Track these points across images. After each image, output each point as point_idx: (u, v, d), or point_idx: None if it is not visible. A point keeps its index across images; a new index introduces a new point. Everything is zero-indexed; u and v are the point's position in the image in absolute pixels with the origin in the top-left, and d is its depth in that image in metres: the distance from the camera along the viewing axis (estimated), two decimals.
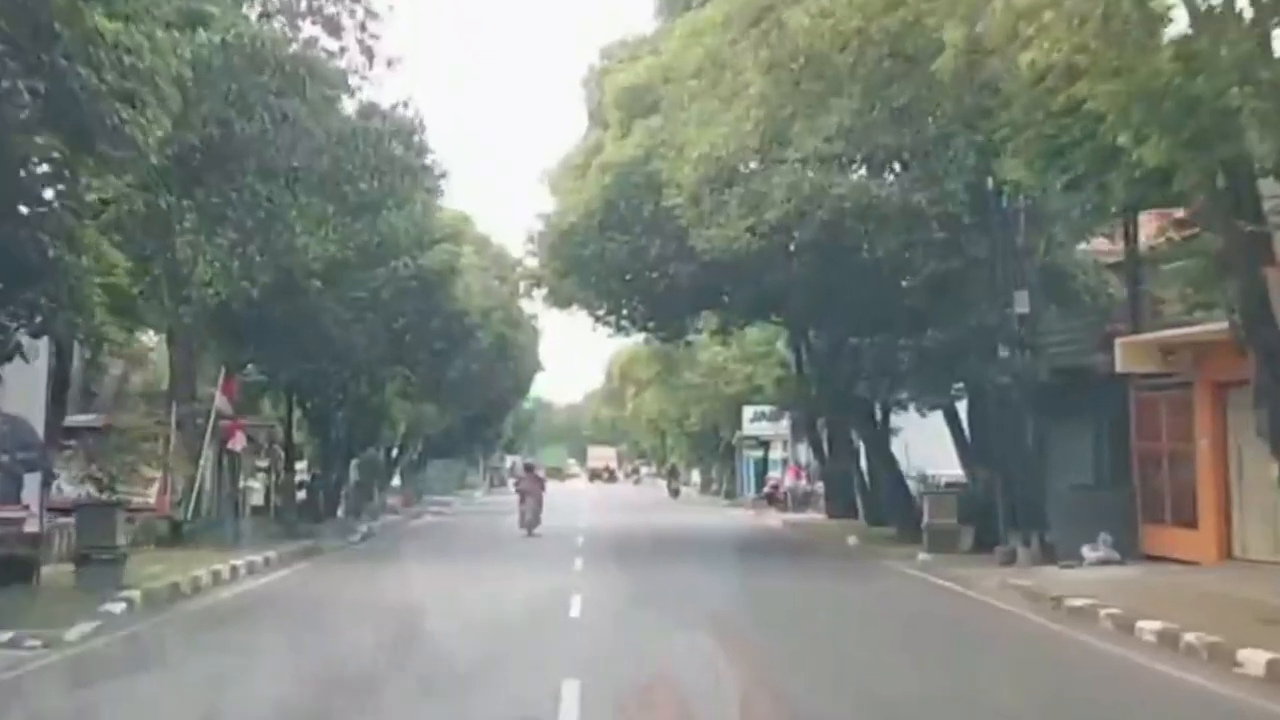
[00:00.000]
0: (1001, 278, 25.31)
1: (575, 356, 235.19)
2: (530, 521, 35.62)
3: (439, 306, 33.43)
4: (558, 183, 33.72)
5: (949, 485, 33.12)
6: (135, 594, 18.57)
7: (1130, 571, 22.38)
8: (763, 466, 64.23)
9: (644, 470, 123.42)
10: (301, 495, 41.39)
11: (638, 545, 31.76)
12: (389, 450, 54.58)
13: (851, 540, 31.76)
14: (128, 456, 25.22)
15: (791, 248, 25.57)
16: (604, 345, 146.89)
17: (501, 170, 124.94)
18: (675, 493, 78.76)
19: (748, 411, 58.89)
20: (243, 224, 19.57)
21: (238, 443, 31.78)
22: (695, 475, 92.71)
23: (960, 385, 26.67)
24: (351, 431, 43.35)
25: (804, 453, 56.72)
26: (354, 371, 40.44)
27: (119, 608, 17.63)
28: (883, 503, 36.90)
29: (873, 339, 26.10)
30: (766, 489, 53.60)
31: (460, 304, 35.96)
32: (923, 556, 25.71)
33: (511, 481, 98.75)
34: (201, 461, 28.50)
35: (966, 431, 29.76)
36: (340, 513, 43.45)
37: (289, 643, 14.61)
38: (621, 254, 29.54)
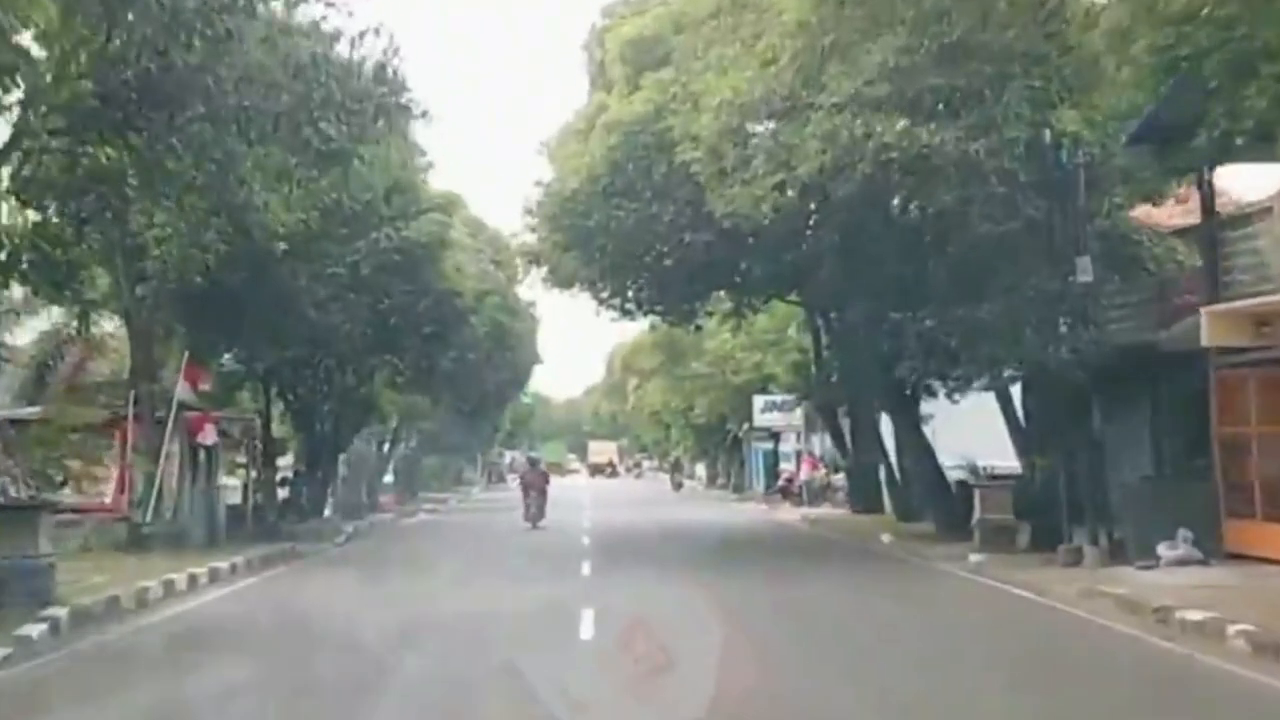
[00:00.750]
0: (1061, 242, 22.38)
1: (574, 350, 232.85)
2: (535, 515, 36.00)
3: (428, 285, 30.33)
4: (557, 151, 30.67)
5: (994, 477, 30.30)
6: (62, 612, 15.63)
7: (1221, 573, 19.43)
8: (773, 459, 61.27)
9: (646, 465, 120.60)
10: (283, 494, 38.43)
11: (649, 545, 28.82)
12: (380, 445, 51.59)
13: (885, 538, 28.82)
14: (57, 452, 22.21)
15: (818, 214, 22.57)
16: (604, 338, 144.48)
17: (496, 155, 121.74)
18: (678, 486, 76.65)
19: (758, 401, 55.91)
20: (189, 178, 16.53)
21: (207, 436, 28.82)
22: (700, 469, 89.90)
23: (1009, 365, 23.53)
24: (338, 425, 40.35)
25: (818, 444, 53.92)
26: (339, 360, 37.54)
27: (38, 630, 14.68)
28: (913, 496, 34.12)
29: (916, 313, 23.03)
30: (780, 482, 50.62)
31: (451, 283, 32.88)
32: (975, 557, 22.77)
33: (513, 477, 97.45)
34: (163, 457, 25.52)
35: (1020, 417, 26.94)
36: (328, 511, 40.52)
37: (228, 684, 11.61)
38: (629, 224, 26.51)
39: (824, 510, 43.32)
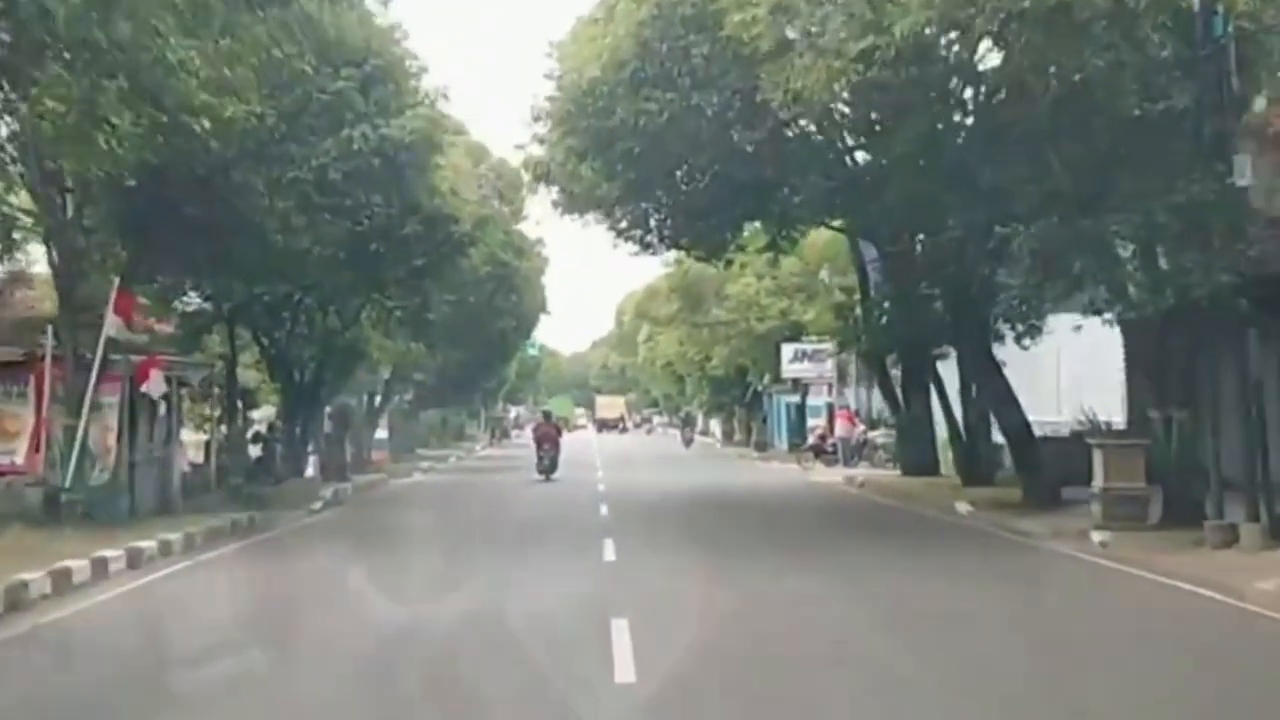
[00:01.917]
0: (1210, 137, 17.53)
1: (581, 302, 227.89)
2: (547, 467, 36.85)
3: (415, 202, 25.43)
4: (570, 48, 25.57)
5: (1076, 434, 25.63)
6: None
7: None
8: (799, 414, 56.47)
9: (656, 420, 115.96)
10: (256, 452, 33.74)
11: (678, 515, 24.14)
12: (371, 398, 46.78)
13: (962, 507, 24.07)
14: None
15: (909, 93, 17.62)
16: (612, 289, 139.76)
17: (500, 82, 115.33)
18: (689, 442, 72.18)
19: (787, 350, 51.16)
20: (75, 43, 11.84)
21: (154, 385, 23.98)
22: (715, 425, 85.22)
23: (1148, 290, 18.57)
24: (320, 374, 35.56)
25: (851, 397, 49.16)
26: (318, 298, 32.82)
27: None
28: (980, 456, 29.44)
29: (1027, 226, 18.12)
30: (813, 439, 45.81)
31: (445, 203, 27.97)
32: (1099, 535, 18.06)
33: (518, 433, 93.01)
34: (86, 407, 20.78)
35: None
36: (309, 472, 35.79)
37: None
38: (661, 122, 21.47)
39: (866, 471, 38.64)
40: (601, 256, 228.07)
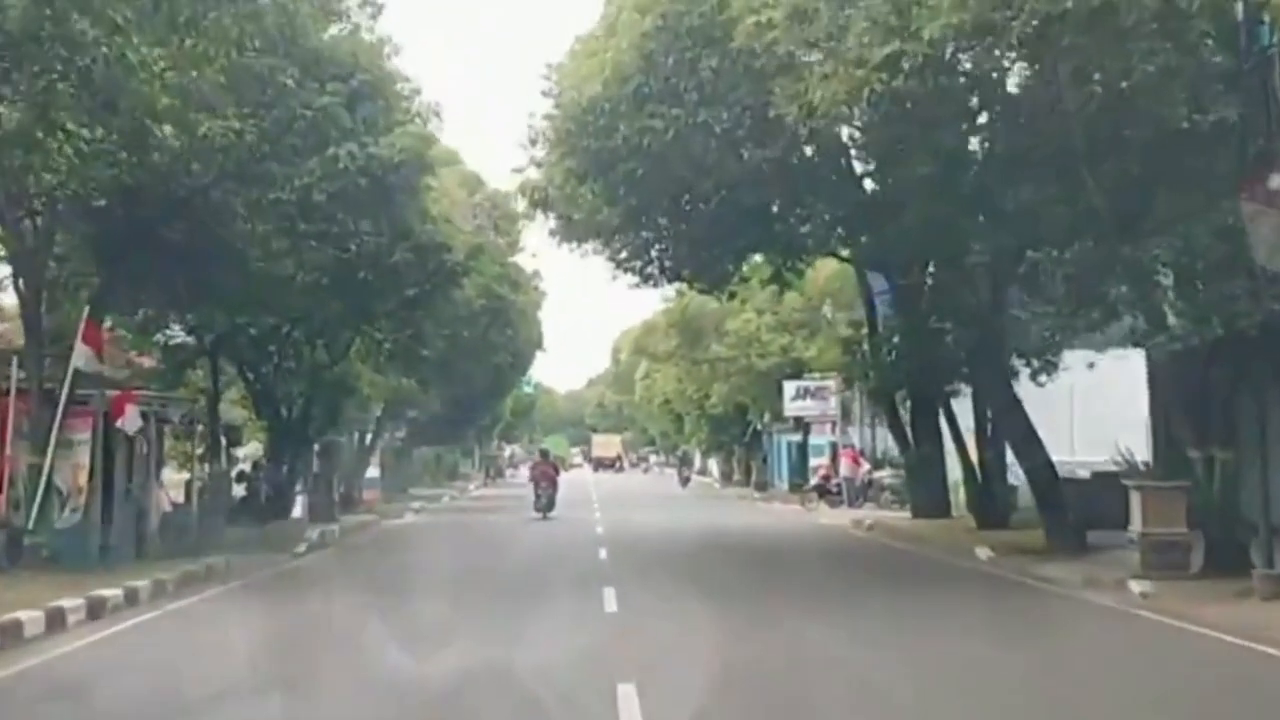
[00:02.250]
0: (1256, 154, 16.33)
1: (576, 340, 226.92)
2: (545, 506, 37.11)
3: (406, 228, 24.17)
4: (569, 67, 24.36)
5: (1100, 474, 24.41)
6: None
7: None
8: (801, 453, 55.10)
9: (653, 459, 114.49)
10: (240, 491, 32.41)
11: (682, 561, 22.75)
12: (362, 436, 45.41)
13: (982, 552, 22.73)
14: None
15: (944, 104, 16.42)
16: (607, 328, 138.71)
17: (493, 114, 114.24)
18: (685, 481, 70.96)
19: (789, 388, 49.89)
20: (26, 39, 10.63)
21: (130, 420, 22.67)
22: (713, 464, 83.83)
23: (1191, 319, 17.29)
24: (308, 410, 34.21)
25: (856, 436, 47.88)
26: (305, 331, 31.51)
27: None
28: (996, 498, 28.13)
29: (1060, 251, 16.87)
30: (816, 479, 44.46)
31: (438, 232, 26.73)
32: (1139, 585, 16.73)
33: (512, 472, 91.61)
34: (52, 443, 19.47)
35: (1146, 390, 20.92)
36: (297, 512, 34.41)
37: None
38: (666, 139, 20.21)
39: (873, 512, 37.27)
40: (598, 292, 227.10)
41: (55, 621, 14.36)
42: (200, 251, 21.06)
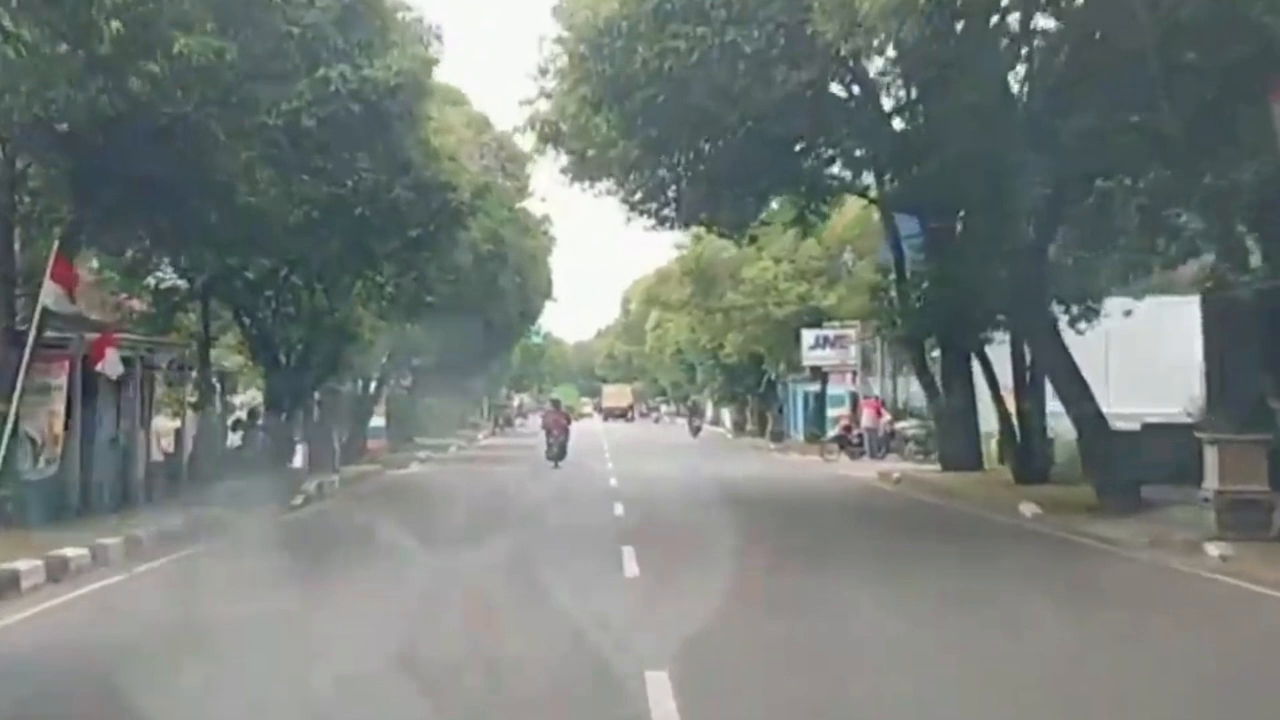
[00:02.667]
0: None
1: (586, 290, 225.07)
2: (557, 454, 37.20)
3: (405, 161, 22.45)
4: None
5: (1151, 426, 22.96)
6: None
7: None
8: (818, 404, 53.51)
9: (664, 409, 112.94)
10: (235, 440, 30.91)
11: (704, 517, 21.08)
12: (366, 384, 43.78)
13: (1027, 509, 21.14)
14: None
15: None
16: (618, 277, 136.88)
17: (500, 57, 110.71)
18: (697, 431, 69.65)
19: (807, 336, 48.25)
20: None
21: (110, 365, 21.17)
22: (725, 415, 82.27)
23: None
24: (308, 357, 32.61)
25: (877, 385, 46.28)
26: (303, 274, 29.89)
27: None
28: (1035, 450, 26.55)
29: (1135, 180, 15.18)
30: (837, 430, 42.87)
31: (442, 170, 25.01)
32: (1217, 548, 15.16)
33: (521, 421, 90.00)
34: (18, 388, 17.89)
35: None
36: (297, 462, 32.89)
37: None
38: (690, 62, 18.47)
39: (898, 465, 35.74)
40: (608, 241, 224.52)
41: (8, 586, 12.84)
42: (182, 184, 19.37)
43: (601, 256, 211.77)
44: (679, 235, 57.48)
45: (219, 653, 9.68)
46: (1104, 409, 30.19)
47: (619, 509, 22.07)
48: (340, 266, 29.35)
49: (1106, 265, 20.01)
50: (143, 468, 24.16)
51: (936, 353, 32.20)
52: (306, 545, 17.61)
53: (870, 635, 10.93)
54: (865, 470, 34.66)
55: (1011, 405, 27.54)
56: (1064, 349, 22.33)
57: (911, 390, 46.10)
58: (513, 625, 10.77)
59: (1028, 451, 26.51)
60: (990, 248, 24.61)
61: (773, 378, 61.47)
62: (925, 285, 29.76)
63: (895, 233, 32.03)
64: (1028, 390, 26.66)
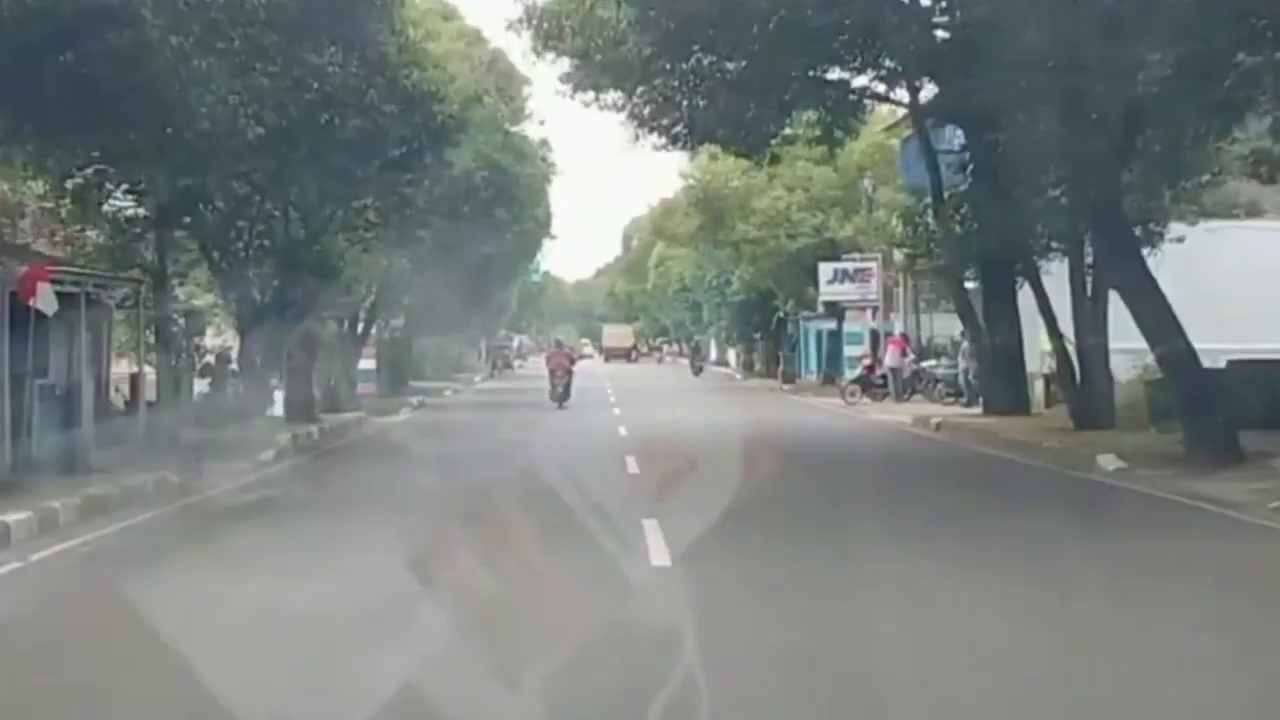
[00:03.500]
0: None
1: (586, 228, 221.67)
2: (560, 395, 37.18)
3: (377, 56, 19.28)
4: None
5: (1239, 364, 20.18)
6: None
7: None
8: (834, 342, 50.58)
9: (666, 349, 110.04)
10: (203, 388, 27.98)
11: (734, 478, 17.92)
12: (353, 325, 40.61)
13: (1107, 462, 18.18)
14: None
15: None
16: (619, 215, 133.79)
17: None
18: (698, 371, 68.02)
19: (825, 270, 45.26)
20: None
21: (42, 300, 18.16)
22: (732, 354, 79.33)
23: None
24: (284, 294, 29.48)
25: (899, 321, 43.30)
26: (277, 202, 26.86)
27: None
28: (1099, 392, 23.60)
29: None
30: (860, 371, 39.89)
31: (425, 75, 21.88)
32: None
33: (520, 363, 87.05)
34: None
35: None
36: (274, 410, 29.97)
37: None
38: None
39: (926, 408, 32.88)
40: (609, 176, 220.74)
41: None
42: (118, 88, 16.30)
43: (602, 193, 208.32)
44: (685, 165, 54.61)
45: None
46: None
47: (632, 465, 19.08)
48: (318, 193, 26.37)
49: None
50: (89, 421, 21.23)
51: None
52: (251, 523, 14.53)
53: (998, 652, 7.99)
54: (894, 414, 31.78)
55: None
56: (1149, 275, 19.30)
57: (935, 327, 43.30)
58: (515, 637, 7.80)
59: (1090, 393, 23.57)
60: (1049, 160, 21.68)
61: (783, 315, 58.55)
62: (965, 208, 26.92)
63: (930, 151, 28.92)
64: (1089, 324, 23.67)
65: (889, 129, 42.73)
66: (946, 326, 41.73)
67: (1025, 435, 22.69)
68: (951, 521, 13.77)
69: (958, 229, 27.11)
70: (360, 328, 41.65)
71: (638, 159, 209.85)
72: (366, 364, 43.16)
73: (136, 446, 21.33)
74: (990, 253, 26.32)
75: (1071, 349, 24.63)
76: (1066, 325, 24.56)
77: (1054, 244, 24.90)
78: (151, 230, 24.75)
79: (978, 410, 29.58)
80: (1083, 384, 23.84)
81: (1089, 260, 23.70)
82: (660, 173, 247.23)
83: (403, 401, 40.26)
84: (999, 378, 28.04)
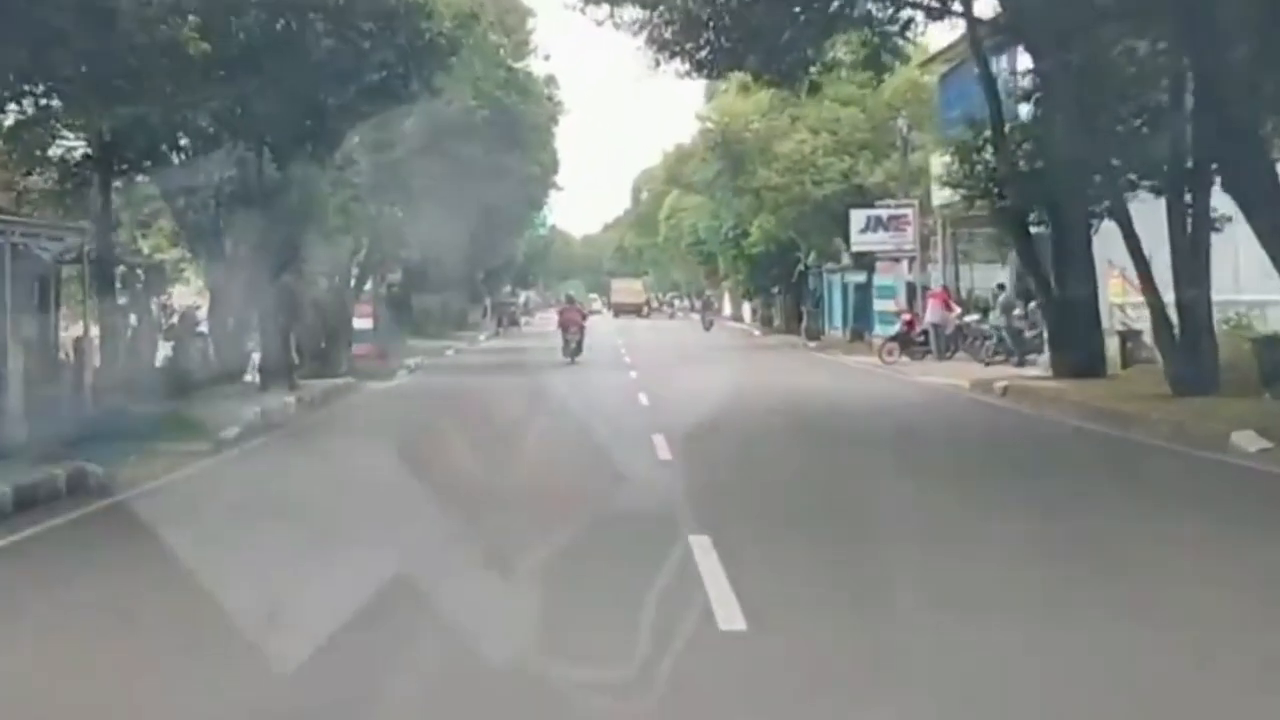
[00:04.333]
0: None
1: (593, 181, 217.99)
2: (573, 350, 36.86)
3: None
4: None
5: None
6: None
7: None
8: (862, 296, 47.12)
9: (677, 304, 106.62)
10: (167, 351, 24.70)
11: (796, 471, 14.62)
12: (345, 281, 37.12)
13: (1245, 440, 14.75)
14: None
15: None
16: (627, 167, 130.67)
17: None
18: (709, 325, 65.05)
19: (857, 218, 41.69)
20: None
21: None
22: (747, 309, 75.90)
23: None
24: (261, 247, 26.02)
25: (935, 275, 39.86)
26: (248, 136, 23.47)
27: None
28: (1204, 352, 20.21)
29: None
30: (899, 327, 36.44)
31: None
32: None
33: (527, 320, 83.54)
34: None
35: None
36: (251, 375, 26.65)
37: None
38: None
39: (979, 368, 29.50)
40: (618, 125, 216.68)
41: None
42: None
43: (611, 142, 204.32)
44: (702, 107, 51.18)
45: None
46: (1234, 295, 24.34)
47: (663, 450, 15.58)
48: (294, 130, 23.01)
49: None
50: (17, 396, 17.95)
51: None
52: (168, 542, 10.98)
53: None
54: (941, 375, 28.48)
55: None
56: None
57: (976, 280, 39.92)
58: None
59: (1193, 353, 20.15)
60: (1144, 81, 18.33)
61: (806, 267, 55.13)
62: (1027, 143, 23.66)
63: (989, 76, 25.39)
64: (1190, 274, 20.25)
65: (924, 64, 39.24)
66: (986, 278, 38.56)
67: (1118, 403, 19.29)
68: (1093, 528, 10.38)
69: (1023, 165, 23.74)
70: (353, 284, 38.28)
71: (650, 102, 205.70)
72: (362, 323, 39.81)
73: (74, 424, 18.16)
74: (1063, 192, 22.91)
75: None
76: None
77: (1139, 180, 21.48)
78: (96, 171, 21.36)
79: (1035, 370, 26.25)
80: (1182, 343, 20.41)
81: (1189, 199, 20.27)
82: (672, 122, 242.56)
83: (400, 363, 36.91)
84: (1070, 335, 24.63)
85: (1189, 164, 20.21)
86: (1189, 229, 20.30)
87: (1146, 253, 21.14)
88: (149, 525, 11.37)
